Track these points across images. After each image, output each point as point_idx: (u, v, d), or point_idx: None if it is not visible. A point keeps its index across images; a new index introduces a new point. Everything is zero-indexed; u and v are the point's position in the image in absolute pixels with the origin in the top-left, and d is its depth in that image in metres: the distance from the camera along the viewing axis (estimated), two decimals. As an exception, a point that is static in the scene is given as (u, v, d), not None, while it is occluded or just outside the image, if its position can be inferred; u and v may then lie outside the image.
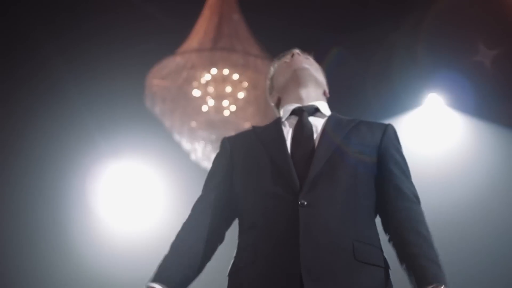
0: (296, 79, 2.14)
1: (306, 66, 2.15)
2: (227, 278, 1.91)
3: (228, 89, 5.02)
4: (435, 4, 4.80)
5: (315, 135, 1.99)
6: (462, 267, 4.92)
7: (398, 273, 1.95)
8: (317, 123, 2.04)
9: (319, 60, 2.28)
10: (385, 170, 1.95)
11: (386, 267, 1.87)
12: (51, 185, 5.47)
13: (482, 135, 5.22)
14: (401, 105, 5.10)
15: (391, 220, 1.90)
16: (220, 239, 2.01)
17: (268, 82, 2.28)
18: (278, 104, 2.20)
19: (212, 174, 2.07)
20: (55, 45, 5.10)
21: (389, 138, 2.02)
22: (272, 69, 2.28)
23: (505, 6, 4.82)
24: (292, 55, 2.18)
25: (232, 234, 2.03)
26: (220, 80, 5.00)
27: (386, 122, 2.15)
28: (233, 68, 4.95)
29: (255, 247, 1.84)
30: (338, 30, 4.78)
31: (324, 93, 2.21)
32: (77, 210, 5.59)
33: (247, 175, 1.97)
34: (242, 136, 2.12)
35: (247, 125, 5.06)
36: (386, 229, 1.93)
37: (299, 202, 1.81)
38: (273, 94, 2.23)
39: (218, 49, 4.95)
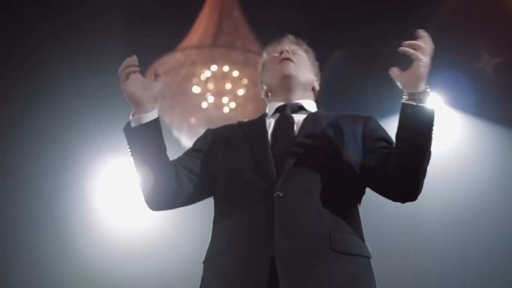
0: (283, 86, 2.17)
1: (293, 73, 2.15)
2: (202, 265, 1.93)
3: (228, 86, 5.01)
4: (440, 10, 4.80)
5: (296, 128, 2.02)
6: (461, 265, 4.93)
7: (380, 263, 1.95)
8: (299, 118, 2.07)
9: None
10: (375, 148, 1.96)
11: (366, 256, 1.87)
12: (50, 182, 5.47)
13: (481, 134, 5.22)
14: (400, 104, 5.09)
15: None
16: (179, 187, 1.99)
17: (259, 68, 2.32)
18: (267, 96, 2.25)
19: (189, 150, 2.13)
20: (54, 41, 5.08)
21: (371, 123, 2.05)
22: (264, 56, 2.31)
23: (509, 13, 4.82)
24: (281, 52, 2.18)
25: (207, 222, 2.04)
26: (220, 77, 5.00)
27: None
28: (233, 65, 4.95)
29: (229, 234, 1.85)
30: (338, 28, 4.78)
31: (313, 89, 2.24)
32: (75, 206, 5.59)
33: (226, 163, 1.99)
34: (225, 128, 2.16)
35: (246, 122, 5.06)
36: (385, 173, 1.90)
37: (275, 194, 1.82)
38: (262, 87, 2.28)
39: (218, 46, 4.95)
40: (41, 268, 5.43)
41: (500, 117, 5.11)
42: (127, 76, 1.96)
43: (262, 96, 2.27)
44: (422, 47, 1.83)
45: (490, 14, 4.86)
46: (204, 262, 1.92)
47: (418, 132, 1.80)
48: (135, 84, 1.94)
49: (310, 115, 2.09)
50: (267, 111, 2.19)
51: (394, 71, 1.88)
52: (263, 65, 2.29)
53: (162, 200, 1.99)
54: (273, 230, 1.77)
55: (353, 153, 1.95)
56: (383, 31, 4.81)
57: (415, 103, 1.81)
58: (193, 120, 5.15)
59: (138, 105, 1.92)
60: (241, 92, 5.08)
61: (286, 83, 2.15)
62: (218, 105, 5.06)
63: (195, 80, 5.05)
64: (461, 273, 4.91)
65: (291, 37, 2.27)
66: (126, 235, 5.65)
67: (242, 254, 1.79)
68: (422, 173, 1.85)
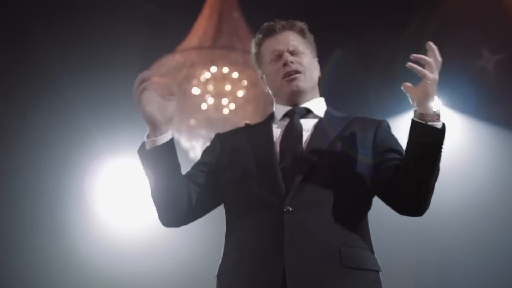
0: (292, 99, 2.10)
1: (302, 87, 2.07)
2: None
3: (228, 87, 5.01)
4: (439, 9, 4.79)
5: (305, 138, 1.98)
6: (459, 267, 4.93)
7: (388, 276, 1.95)
8: (308, 125, 2.03)
9: (321, 59, 2.24)
10: (385, 160, 1.94)
11: (376, 270, 1.86)
12: (49, 183, 5.46)
13: (480, 136, 5.22)
14: (401, 105, 5.09)
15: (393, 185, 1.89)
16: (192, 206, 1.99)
17: (253, 57, 2.22)
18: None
19: (198, 163, 2.11)
20: (53, 42, 5.08)
21: (382, 131, 2.02)
22: (256, 43, 2.19)
23: (510, 9, 4.81)
24: (285, 64, 2.07)
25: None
26: (219, 78, 5.00)
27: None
28: (233, 66, 4.94)
29: (240, 251, 1.86)
30: (339, 30, 4.77)
31: (318, 81, 2.17)
32: (75, 208, 5.58)
33: (234, 177, 1.98)
34: (233, 136, 2.12)
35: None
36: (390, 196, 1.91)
37: (284, 209, 1.81)
38: (265, 86, 2.20)
39: (218, 47, 4.95)
40: (40, 270, 5.42)
41: (499, 118, 5.10)
42: (141, 95, 1.89)
43: (266, 90, 2.21)
44: (429, 63, 1.80)
45: (490, 11, 4.84)
46: (217, 276, 1.92)
47: (426, 151, 1.79)
48: (152, 105, 1.90)
49: (319, 123, 2.04)
50: (274, 109, 2.15)
51: (406, 86, 1.84)
52: (258, 55, 2.20)
53: (174, 219, 2.00)
54: (284, 246, 1.77)
55: (363, 165, 1.93)
56: (383, 30, 4.80)
57: (424, 122, 1.79)
58: (192, 121, 5.14)
59: (155, 127, 1.90)
60: (240, 93, 5.08)
61: (295, 97, 2.10)
62: (218, 107, 5.05)
63: (194, 81, 5.04)
64: (460, 273, 4.91)
65: (283, 24, 2.16)
66: (126, 236, 5.64)
67: (254, 271, 1.80)
68: (429, 190, 1.84)
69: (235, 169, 1.98)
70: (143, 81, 1.90)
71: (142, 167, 1.94)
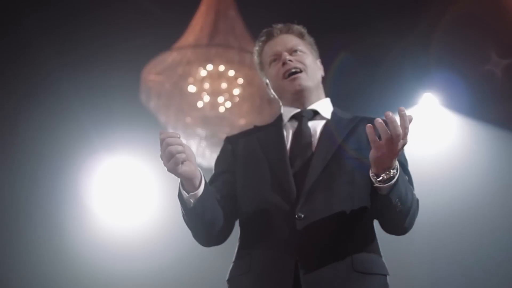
0: (297, 100, 2.10)
1: (305, 85, 2.07)
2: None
3: (224, 85, 5.01)
4: (447, 11, 4.78)
5: (313, 142, 1.99)
6: (456, 267, 4.94)
7: (396, 279, 1.97)
8: (316, 127, 2.04)
9: (322, 61, 2.23)
10: None
11: (384, 274, 1.88)
12: (45, 180, 5.46)
13: (476, 135, 5.23)
14: (396, 104, 5.07)
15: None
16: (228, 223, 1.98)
17: (257, 66, 2.22)
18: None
19: (218, 174, 2.08)
20: (49, 39, 5.07)
21: None
22: (257, 51, 2.18)
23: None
24: (284, 64, 2.07)
25: (231, 239, 2.03)
26: (215, 77, 4.99)
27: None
28: (229, 64, 4.94)
29: (250, 256, 1.87)
30: (336, 29, 4.76)
31: (322, 79, 2.17)
32: (70, 205, 5.58)
33: (246, 182, 1.98)
34: (243, 139, 2.11)
35: (242, 122, 5.06)
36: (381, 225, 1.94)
37: (296, 215, 1.82)
38: (269, 90, 2.21)
39: (214, 46, 4.94)
40: (35, 267, 5.42)
41: (494, 117, 5.11)
42: (178, 167, 1.72)
43: (272, 95, 2.20)
44: (388, 138, 1.66)
45: (499, 15, 4.82)
46: (228, 281, 1.93)
47: (382, 203, 1.78)
48: (185, 163, 1.73)
49: (326, 127, 2.03)
50: (282, 111, 2.15)
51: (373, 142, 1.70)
52: (261, 63, 2.20)
53: (215, 242, 1.99)
54: (296, 253, 1.78)
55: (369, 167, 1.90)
56: (389, 33, 4.80)
57: (373, 178, 1.74)
58: (188, 119, 5.14)
59: (191, 180, 1.75)
60: (236, 91, 5.08)
61: (300, 97, 2.10)
62: (214, 105, 5.05)
63: (190, 79, 5.04)
64: (457, 274, 4.92)
65: (280, 27, 2.16)
66: (121, 234, 5.64)
67: (264, 276, 1.81)
68: (405, 229, 1.86)
69: (248, 174, 1.99)
70: (179, 152, 1.71)
71: (186, 217, 1.84)
